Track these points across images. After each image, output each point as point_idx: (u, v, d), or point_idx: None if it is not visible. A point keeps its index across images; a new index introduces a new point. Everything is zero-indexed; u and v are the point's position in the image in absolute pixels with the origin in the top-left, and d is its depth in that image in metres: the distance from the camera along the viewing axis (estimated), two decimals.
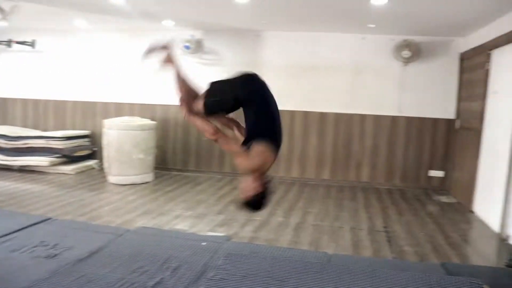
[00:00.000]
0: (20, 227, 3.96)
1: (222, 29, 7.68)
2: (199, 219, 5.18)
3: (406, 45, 7.09)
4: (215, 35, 7.82)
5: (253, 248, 3.96)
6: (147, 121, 7.35)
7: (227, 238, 4.26)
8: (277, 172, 7.75)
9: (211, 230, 4.75)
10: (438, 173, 7.42)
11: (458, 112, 7.10)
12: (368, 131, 7.52)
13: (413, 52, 7.09)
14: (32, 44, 8.50)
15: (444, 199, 6.82)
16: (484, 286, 3.15)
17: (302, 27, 7.26)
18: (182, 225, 4.88)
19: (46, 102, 8.70)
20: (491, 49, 5.76)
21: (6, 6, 5.78)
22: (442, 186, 7.37)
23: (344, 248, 4.36)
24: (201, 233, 4.56)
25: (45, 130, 8.52)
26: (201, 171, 8.02)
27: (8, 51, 8.63)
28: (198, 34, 7.81)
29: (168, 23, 7.34)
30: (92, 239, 3.79)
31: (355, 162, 7.63)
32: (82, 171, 7.78)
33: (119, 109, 8.25)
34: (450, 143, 7.25)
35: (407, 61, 7.19)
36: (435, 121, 7.34)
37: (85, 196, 6.00)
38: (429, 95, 7.28)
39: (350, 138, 7.59)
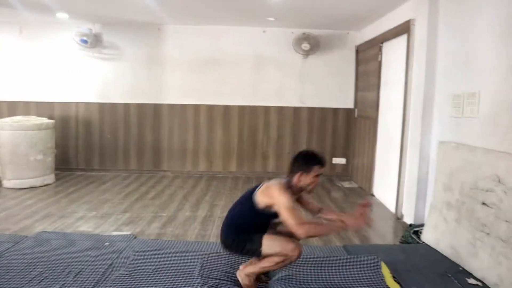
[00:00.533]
0: None
1: (122, 23, 7.45)
2: (103, 219, 5.01)
3: (305, 38, 7.33)
4: (115, 28, 7.57)
5: (160, 244, 3.92)
6: (45, 120, 6.94)
7: (133, 237, 4.17)
8: (184, 166, 7.71)
9: (116, 230, 4.62)
10: (341, 160, 7.79)
11: (356, 102, 7.49)
12: (273, 122, 7.71)
13: (312, 44, 7.35)
14: None
15: (347, 184, 7.20)
16: (381, 261, 3.37)
17: (203, 21, 7.25)
18: (85, 227, 4.70)
19: None
20: (382, 42, 6.13)
21: None
22: (345, 172, 7.76)
23: None
24: (106, 233, 4.42)
25: None
26: (106, 169, 7.75)
27: None
28: (96, 28, 7.50)
29: (63, 15, 6.95)
30: None
31: (261, 153, 7.78)
32: None
33: (12, 108, 7.71)
34: (350, 131, 7.64)
35: (307, 53, 7.44)
36: (335, 110, 7.68)
37: None
38: (329, 86, 7.61)
39: (255, 129, 7.74)
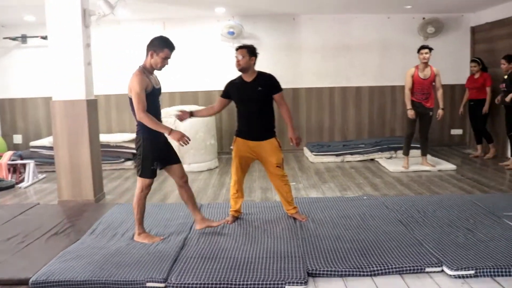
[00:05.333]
0: None
1: (259, 14, 8.07)
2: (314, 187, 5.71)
3: (430, 22, 8.17)
4: (253, 20, 8.17)
5: None
6: None
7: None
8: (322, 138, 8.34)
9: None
10: (459, 131, 8.66)
11: None
12: (399, 100, 8.49)
13: (436, 28, 8.19)
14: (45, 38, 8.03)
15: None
16: None
17: (334, 10, 7.97)
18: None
19: None
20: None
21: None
22: (462, 141, 8.65)
23: None
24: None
25: None
26: None
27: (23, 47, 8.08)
28: (236, 20, 8.09)
29: (220, 9, 7.52)
30: None
31: (389, 129, 8.56)
32: None
33: None
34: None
35: (429, 36, 8.25)
36: (452, 87, 8.54)
37: None
38: (446, 64, 8.29)
39: (383, 108, 8.50)
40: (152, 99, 3.67)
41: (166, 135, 3.67)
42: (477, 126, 7.42)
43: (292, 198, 4.39)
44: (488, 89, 7.13)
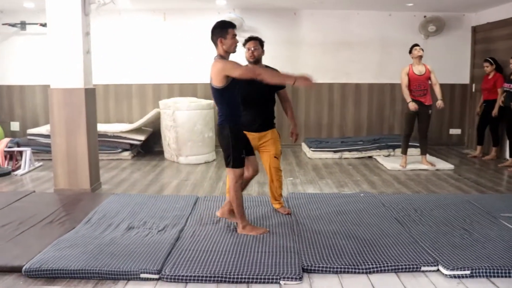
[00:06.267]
0: None
1: (260, 8, 8.03)
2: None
3: (432, 20, 8.14)
4: (253, 14, 8.14)
5: None
6: (211, 100, 7.46)
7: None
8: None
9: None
10: (457, 131, 8.66)
11: (473, 78, 8.35)
12: (398, 98, 8.47)
13: (437, 26, 8.16)
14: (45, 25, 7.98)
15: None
16: None
17: (335, 6, 7.90)
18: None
19: None
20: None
21: None
22: (460, 141, 8.64)
23: None
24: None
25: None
26: None
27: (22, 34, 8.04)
28: (236, 13, 8.05)
29: (221, 1, 7.48)
30: None
31: (387, 126, 8.56)
32: None
33: (157, 90, 8.30)
34: (465, 104, 8.57)
35: (430, 35, 8.23)
36: (452, 86, 8.53)
37: None
38: (446, 64, 8.33)
39: (382, 105, 8.48)
40: (232, 90, 3.62)
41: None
42: (484, 127, 7.34)
43: (280, 195, 4.43)
44: (499, 90, 6.97)
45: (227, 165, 3.72)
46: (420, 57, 6.35)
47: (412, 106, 6.29)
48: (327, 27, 8.26)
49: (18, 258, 3.28)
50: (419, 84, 6.33)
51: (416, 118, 6.51)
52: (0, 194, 5.16)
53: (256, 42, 4.12)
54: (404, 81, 6.35)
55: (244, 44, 4.17)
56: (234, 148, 3.64)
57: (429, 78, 6.42)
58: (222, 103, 3.68)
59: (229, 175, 3.76)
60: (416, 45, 6.47)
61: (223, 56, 3.65)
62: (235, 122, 3.67)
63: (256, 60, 4.15)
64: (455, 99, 8.52)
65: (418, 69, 6.36)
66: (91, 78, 5.41)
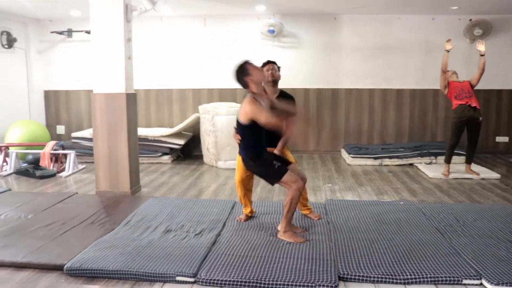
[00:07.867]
0: None
1: (300, 13, 8.00)
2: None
3: (478, 24, 7.88)
4: (293, 19, 8.12)
5: None
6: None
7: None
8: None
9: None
10: (504, 139, 8.33)
11: None
12: (441, 104, 8.24)
13: (483, 30, 7.89)
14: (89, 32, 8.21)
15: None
16: None
17: (377, 10, 7.80)
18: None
19: None
20: None
21: None
22: (507, 149, 8.31)
23: None
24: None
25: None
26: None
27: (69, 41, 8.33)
28: (276, 18, 8.05)
29: (261, 7, 7.50)
30: None
31: (430, 133, 8.33)
32: None
33: (197, 95, 8.37)
34: None
35: (475, 38, 7.96)
36: (499, 92, 8.24)
37: None
38: (494, 69, 8.02)
39: (425, 112, 8.28)
40: (257, 125, 3.58)
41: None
42: None
43: (307, 199, 4.46)
44: None
45: (275, 182, 3.72)
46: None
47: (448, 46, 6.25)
48: (367, 32, 8.14)
49: (60, 256, 3.38)
50: (462, 88, 6.15)
51: (466, 128, 6.25)
52: (46, 195, 5.34)
53: (275, 66, 4.28)
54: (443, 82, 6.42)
55: (262, 66, 4.24)
56: (266, 167, 3.68)
57: (470, 83, 6.20)
58: (245, 136, 3.73)
59: (285, 186, 3.70)
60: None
61: (256, 94, 3.61)
62: (256, 153, 3.72)
63: (275, 81, 4.26)
64: (502, 105, 8.22)
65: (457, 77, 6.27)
66: (132, 83, 5.52)
